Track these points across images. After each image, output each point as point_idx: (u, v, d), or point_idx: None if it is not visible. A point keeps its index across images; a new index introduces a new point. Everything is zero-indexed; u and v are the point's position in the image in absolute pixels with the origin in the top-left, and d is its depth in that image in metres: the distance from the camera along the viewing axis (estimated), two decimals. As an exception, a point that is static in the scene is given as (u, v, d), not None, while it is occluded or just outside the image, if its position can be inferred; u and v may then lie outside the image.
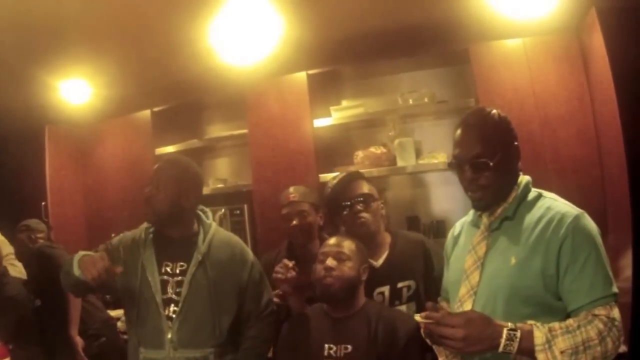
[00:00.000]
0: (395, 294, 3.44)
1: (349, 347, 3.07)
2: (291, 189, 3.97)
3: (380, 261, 3.50)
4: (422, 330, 2.64)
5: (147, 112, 5.96)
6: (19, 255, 5.12)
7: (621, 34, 3.76)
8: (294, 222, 3.85)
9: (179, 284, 3.21)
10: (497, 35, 4.47)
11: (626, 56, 3.70)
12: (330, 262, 3.16)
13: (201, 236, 3.35)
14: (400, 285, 3.44)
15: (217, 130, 6.08)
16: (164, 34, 4.57)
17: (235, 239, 3.51)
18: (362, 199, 3.51)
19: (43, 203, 6.31)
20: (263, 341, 3.43)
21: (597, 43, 3.93)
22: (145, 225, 3.36)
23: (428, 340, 2.59)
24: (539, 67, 4.40)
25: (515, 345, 2.20)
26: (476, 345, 2.23)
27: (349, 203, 3.51)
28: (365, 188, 3.57)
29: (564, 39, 4.38)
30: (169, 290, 3.22)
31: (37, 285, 4.83)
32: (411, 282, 3.44)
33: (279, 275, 3.40)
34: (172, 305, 3.20)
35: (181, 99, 5.84)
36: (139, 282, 3.22)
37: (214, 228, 3.42)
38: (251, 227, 5.34)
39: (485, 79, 4.49)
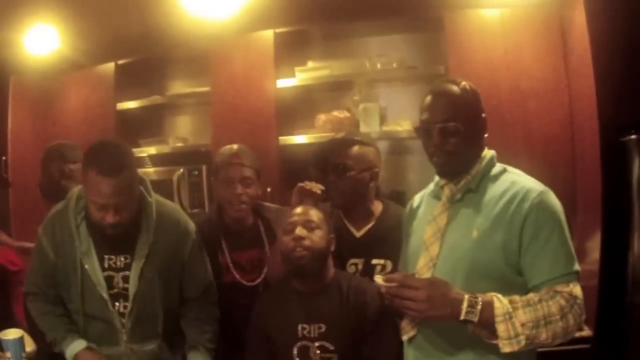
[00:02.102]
0: (367, 270, 3.25)
1: (323, 326, 2.97)
2: (235, 147, 3.58)
3: (362, 232, 3.33)
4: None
5: (110, 65, 5.75)
6: (43, 191, 4.62)
7: (604, 12, 3.64)
8: (238, 189, 3.43)
9: (125, 279, 3.02)
10: (474, 4, 4.37)
11: (607, 34, 3.61)
12: (299, 231, 3.00)
13: (144, 221, 3.07)
14: (374, 262, 3.24)
15: (180, 87, 5.90)
16: None
17: (176, 212, 3.28)
18: (339, 168, 3.26)
19: (3, 158, 6.04)
20: (214, 321, 3.27)
21: (579, 19, 3.83)
22: (71, 206, 3.05)
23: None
24: (514, 39, 4.31)
25: (477, 313, 2.19)
26: (439, 310, 2.22)
27: (330, 169, 3.29)
28: (350, 157, 3.28)
29: (544, 13, 4.28)
30: (115, 285, 3.02)
31: None
32: (387, 262, 3.22)
33: (307, 187, 3.22)
34: (122, 300, 3.03)
35: (146, 52, 5.62)
36: (79, 278, 2.99)
37: (155, 207, 3.12)
38: (209, 189, 5.12)
39: (458, 47, 4.39)
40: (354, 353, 2.94)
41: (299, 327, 2.99)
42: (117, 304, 3.02)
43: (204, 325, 3.21)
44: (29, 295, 3.17)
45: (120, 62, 5.68)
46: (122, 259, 3.03)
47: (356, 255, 3.27)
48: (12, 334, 3.10)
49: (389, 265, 3.18)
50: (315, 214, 3.08)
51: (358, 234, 3.32)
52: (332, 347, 2.92)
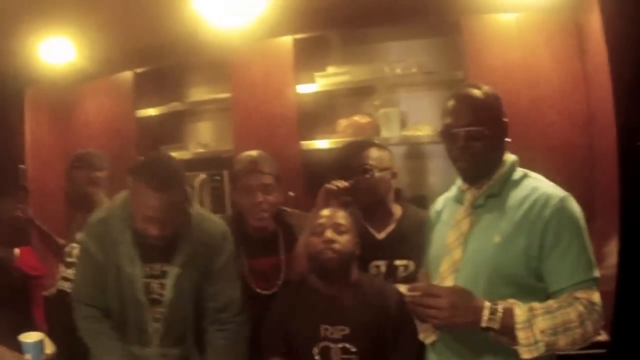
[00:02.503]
0: (391, 271, 3.33)
1: (347, 328, 3.01)
2: (254, 154, 3.58)
3: (384, 234, 3.41)
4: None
5: (129, 74, 5.84)
6: (69, 199, 4.69)
7: (620, 15, 3.65)
8: (259, 198, 3.43)
9: (162, 286, 3.09)
10: (490, 9, 4.37)
11: (624, 38, 3.60)
12: (330, 234, 3.06)
13: (183, 232, 3.11)
14: (397, 263, 3.32)
15: (199, 94, 5.99)
16: None
17: (215, 223, 3.28)
18: (364, 169, 3.34)
19: (21, 166, 6.17)
20: (246, 322, 3.27)
21: (595, 23, 3.84)
22: (116, 213, 3.12)
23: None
24: (531, 44, 4.31)
25: (498, 321, 2.23)
26: (460, 318, 2.26)
27: (351, 172, 3.36)
28: (374, 156, 3.39)
29: (560, 17, 4.27)
30: (152, 291, 3.10)
31: None
32: (410, 263, 3.30)
33: (333, 186, 3.28)
34: (157, 306, 3.10)
35: (164, 60, 5.71)
36: (121, 282, 3.08)
37: (197, 220, 3.17)
38: (231, 194, 5.10)
39: (476, 52, 4.40)
40: (374, 355, 2.99)
41: (321, 328, 3.03)
42: (152, 310, 3.10)
43: (240, 331, 3.24)
44: (80, 308, 3.19)
45: (139, 70, 5.76)
46: (160, 267, 3.09)
47: (379, 257, 3.34)
48: (33, 337, 3.21)
49: (412, 266, 3.26)
50: (343, 217, 3.13)
51: (379, 236, 3.39)
52: (354, 349, 2.97)
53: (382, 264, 3.33)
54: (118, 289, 3.09)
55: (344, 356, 2.98)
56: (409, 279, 3.15)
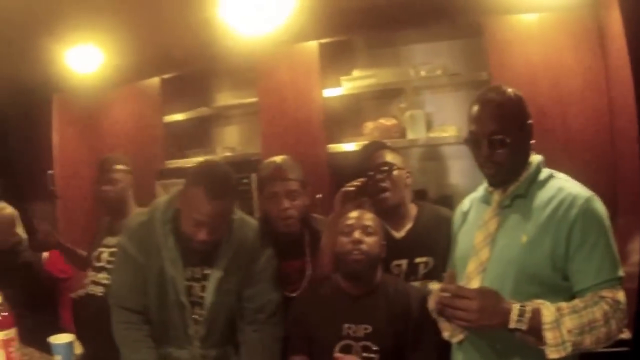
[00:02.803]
0: (412, 269, 3.37)
1: (369, 327, 3.06)
2: (278, 160, 3.60)
3: (402, 233, 3.44)
4: (430, 303, 2.78)
5: (156, 80, 5.97)
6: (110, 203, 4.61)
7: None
8: (285, 204, 3.44)
9: (203, 288, 3.18)
10: (511, 9, 4.41)
11: None
12: (358, 235, 3.10)
13: (226, 237, 3.21)
14: (417, 260, 3.36)
15: (226, 98, 6.11)
16: (175, 0, 4.56)
17: (255, 230, 3.36)
18: (384, 168, 3.40)
19: (49, 172, 6.35)
20: (281, 323, 3.34)
21: (615, 21, 3.87)
22: (157, 217, 3.21)
23: (434, 314, 2.71)
24: (553, 43, 4.33)
25: (526, 322, 2.27)
26: (489, 319, 2.30)
27: (371, 173, 3.39)
28: (388, 157, 3.45)
29: (581, 16, 4.29)
30: (194, 294, 3.19)
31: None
32: (429, 259, 3.33)
33: (349, 188, 3.34)
34: (197, 308, 3.19)
35: (191, 66, 5.81)
36: (164, 285, 3.18)
37: (238, 224, 3.27)
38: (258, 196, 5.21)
39: (499, 52, 4.45)
40: (394, 354, 3.03)
41: (345, 326, 3.08)
42: (193, 312, 3.18)
43: (275, 332, 3.29)
44: (118, 312, 3.27)
45: (166, 76, 5.87)
46: (202, 270, 3.18)
47: (399, 256, 3.36)
48: (63, 338, 3.24)
49: (431, 262, 3.30)
50: (371, 219, 3.17)
51: (398, 235, 3.41)
52: (375, 348, 3.01)
53: (403, 263, 3.37)
54: (159, 292, 3.18)
55: (365, 354, 3.03)
56: (430, 276, 3.28)
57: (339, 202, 3.34)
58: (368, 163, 3.44)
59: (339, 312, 3.13)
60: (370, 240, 3.09)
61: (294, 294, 3.47)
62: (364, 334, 3.05)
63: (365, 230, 3.11)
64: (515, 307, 2.29)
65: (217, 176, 3.09)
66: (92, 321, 3.73)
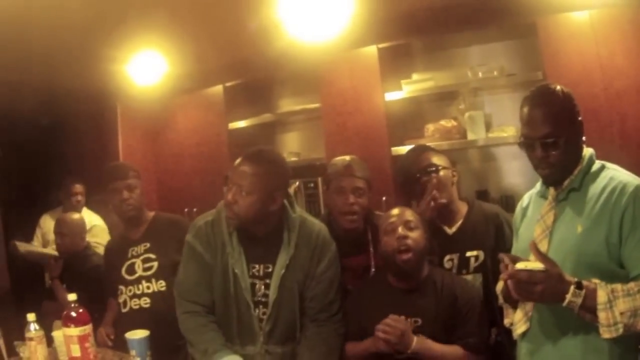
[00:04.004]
0: (463, 263, 3.63)
1: (419, 320, 3.25)
2: (347, 158, 3.90)
3: (454, 229, 3.70)
4: (497, 288, 2.99)
5: (219, 87, 6.32)
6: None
7: None
8: (350, 199, 3.74)
9: (267, 286, 3.36)
10: (563, 8, 4.53)
11: None
12: (402, 231, 3.29)
13: (286, 234, 3.39)
14: (468, 254, 3.63)
15: (287, 104, 6.39)
16: (236, 9, 4.78)
17: (318, 227, 3.51)
18: (430, 169, 3.66)
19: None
20: (342, 320, 3.51)
21: None
22: (223, 216, 3.41)
23: (501, 299, 2.94)
24: (605, 39, 4.41)
25: (579, 302, 2.39)
26: (547, 299, 2.48)
27: (418, 175, 3.66)
28: (434, 159, 3.71)
29: (632, 11, 4.38)
30: (257, 291, 3.38)
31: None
32: (480, 253, 3.60)
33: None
34: (262, 306, 3.37)
35: (253, 74, 6.13)
36: (230, 283, 3.36)
37: (299, 222, 3.43)
38: (324, 199, 5.54)
39: (552, 52, 4.57)
40: (444, 344, 3.21)
41: None
42: (257, 309, 3.36)
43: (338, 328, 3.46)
44: (184, 304, 3.48)
45: (229, 84, 6.21)
46: (265, 268, 3.37)
47: (451, 250, 3.63)
48: (138, 334, 3.48)
49: (482, 255, 3.58)
50: (411, 214, 3.38)
51: (450, 231, 3.69)
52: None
53: (454, 257, 3.63)
54: (224, 289, 3.37)
55: None
56: (481, 269, 3.58)
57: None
58: (415, 166, 3.72)
59: (389, 307, 3.29)
60: (414, 234, 3.30)
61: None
62: (414, 327, 3.23)
63: (408, 225, 3.32)
64: (571, 289, 2.40)
65: (259, 149, 3.47)
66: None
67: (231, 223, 3.36)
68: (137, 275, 4.28)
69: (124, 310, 4.32)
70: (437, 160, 3.73)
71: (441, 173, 3.67)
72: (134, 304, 4.28)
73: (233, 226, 3.37)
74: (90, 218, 6.42)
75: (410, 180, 3.73)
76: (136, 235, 4.44)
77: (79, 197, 6.74)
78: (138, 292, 4.26)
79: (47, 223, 6.67)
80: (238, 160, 3.35)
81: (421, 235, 3.35)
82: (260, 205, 3.29)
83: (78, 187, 6.73)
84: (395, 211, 3.45)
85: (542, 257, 2.52)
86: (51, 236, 5.99)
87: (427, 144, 4.09)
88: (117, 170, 4.50)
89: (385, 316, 3.22)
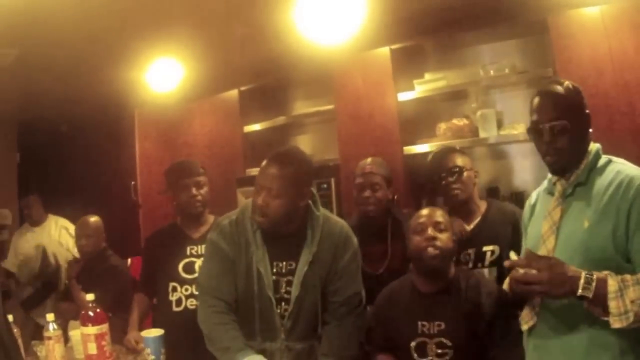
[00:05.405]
0: (480, 257, 3.84)
1: (442, 324, 3.28)
2: (369, 160, 4.35)
3: (472, 225, 3.93)
4: (505, 285, 2.99)
5: (234, 92, 6.40)
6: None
7: None
8: (366, 193, 4.21)
9: (289, 283, 3.40)
10: (574, 4, 4.55)
11: None
12: (431, 232, 3.34)
13: (309, 232, 3.43)
14: (485, 249, 3.84)
15: (302, 107, 6.45)
16: (250, 13, 4.86)
17: (340, 226, 3.56)
18: (455, 170, 3.93)
19: (132, 182, 6.95)
20: (363, 314, 3.59)
21: None
22: (247, 214, 3.45)
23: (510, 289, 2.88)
24: (616, 35, 4.41)
25: (592, 289, 2.40)
26: (560, 288, 2.46)
27: (443, 175, 3.94)
28: (458, 160, 3.98)
29: None
30: (281, 289, 3.41)
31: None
32: (495, 247, 3.81)
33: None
34: (284, 303, 3.41)
35: (267, 77, 6.21)
36: (250, 278, 3.40)
37: (322, 220, 3.47)
38: (337, 200, 5.60)
39: (563, 48, 4.59)
40: (468, 349, 3.22)
41: (419, 324, 3.31)
42: (279, 305, 3.39)
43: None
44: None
45: (243, 88, 6.29)
46: (288, 265, 3.40)
47: (468, 246, 3.84)
48: (153, 332, 3.61)
49: (498, 250, 3.79)
50: (442, 216, 3.43)
51: (468, 227, 3.90)
52: (449, 343, 3.23)
53: (471, 252, 3.86)
54: (247, 285, 3.40)
55: (440, 350, 3.24)
56: (496, 263, 3.74)
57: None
58: (440, 167, 3.99)
59: (413, 311, 3.37)
60: (443, 236, 3.35)
61: (377, 272, 4.11)
62: (437, 330, 3.27)
63: (438, 226, 3.37)
64: (582, 275, 2.42)
65: (285, 150, 3.59)
66: (190, 337, 3.74)
67: (262, 226, 3.39)
68: (196, 275, 4.26)
69: (177, 309, 4.35)
70: (461, 162, 4.00)
71: (464, 174, 3.95)
72: (190, 303, 4.31)
73: (264, 228, 3.39)
74: (63, 223, 6.83)
75: (434, 179, 4.04)
76: (196, 234, 4.50)
77: (26, 210, 6.98)
78: (196, 293, 4.21)
79: (15, 241, 7.00)
80: (264, 163, 3.41)
81: (449, 237, 3.39)
82: (291, 205, 3.34)
83: (25, 201, 7.00)
84: (425, 211, 3.51)
85: (539, 257, 2.61)
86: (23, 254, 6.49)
87: (455, 147, 4.25)
88: (186, 167, 4.58)
89: (410, 321, 3.35)
